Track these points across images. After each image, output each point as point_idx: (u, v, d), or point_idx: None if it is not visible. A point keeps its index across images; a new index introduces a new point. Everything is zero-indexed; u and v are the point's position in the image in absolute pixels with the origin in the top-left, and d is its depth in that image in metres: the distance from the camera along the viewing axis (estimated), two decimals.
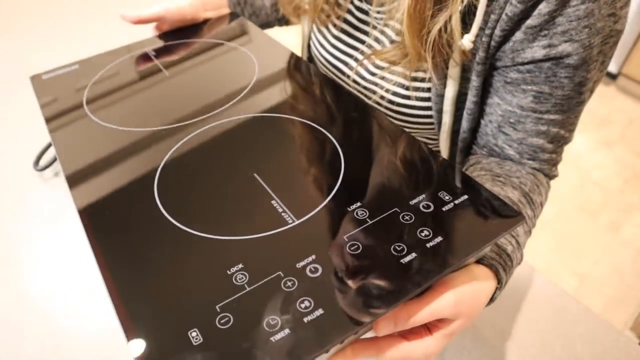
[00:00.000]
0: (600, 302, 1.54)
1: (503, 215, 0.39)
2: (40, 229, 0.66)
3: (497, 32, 0.47)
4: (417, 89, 0.56)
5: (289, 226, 0.39)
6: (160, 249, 0.39)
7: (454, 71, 0.51)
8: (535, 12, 0.44)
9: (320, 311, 0.33)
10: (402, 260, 0.35)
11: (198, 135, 0.50)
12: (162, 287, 0.36)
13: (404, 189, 0.42)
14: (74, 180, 0.46)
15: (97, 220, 0.41)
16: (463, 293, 0.37)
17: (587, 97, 0.50)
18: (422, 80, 0.55)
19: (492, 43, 0.48)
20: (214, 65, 0.63)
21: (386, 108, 0.60)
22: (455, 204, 0.40)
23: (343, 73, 0.63)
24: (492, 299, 0.43)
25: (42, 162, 0.74)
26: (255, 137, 0.49)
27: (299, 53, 0.68)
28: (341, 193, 0.42)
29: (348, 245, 0.37)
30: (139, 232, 0.40)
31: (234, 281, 0.36)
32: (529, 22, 0.45)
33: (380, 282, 0.34)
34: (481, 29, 0.48)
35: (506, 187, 0.50)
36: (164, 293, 0.35)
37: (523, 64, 0.48)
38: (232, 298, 0.34)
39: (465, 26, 0.48)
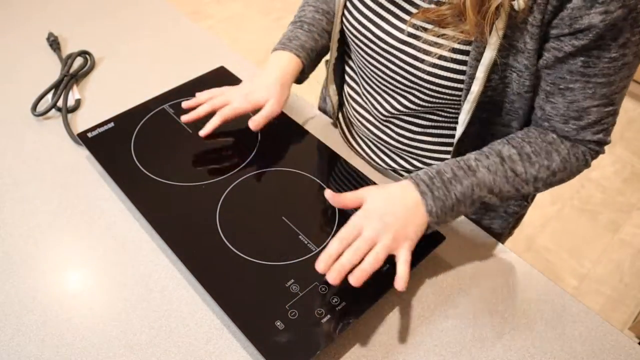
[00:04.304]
0: (600, 302, 1.54)
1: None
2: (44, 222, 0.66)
3: None
4: (456, 51, 0.57)
5: (313, 252, 0.61)
6: (239, 274, 0.59)
7: (495, 36, 0.53)
8: None
9: (344, 303, 0.56)
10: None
11: (233, 189, 0.67)
12: (254, 297, 0.56)
13: None
14: (162, 229, 0.62)
15: (194, 260, 0.59)
16: (369, 188, 0.57)
17: (630, 59, 0.53)
18: (463, 42, 0.56)
19: (549, 7, 0.50)
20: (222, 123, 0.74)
21: (420, 70, 0.60)
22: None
23: (377, 36, 0.63)
24: (432, 222, 0.55)
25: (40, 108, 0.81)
26: (273, 187, 0.68)
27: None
28: (340, 228, 0.58)
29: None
30: (221, 267, 0.59)
31: (291, 290, 0.57)
32: None
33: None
34: None
35: (507, 145, 0.59)
36: (256, 301, 0.56)
37: (580, 30, 0.50)
38: (294, 300, 0.56)
39: None
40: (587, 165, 0.61)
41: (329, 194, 0.57)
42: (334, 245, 0.53)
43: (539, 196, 1.80)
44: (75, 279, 0.61)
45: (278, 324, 0.54)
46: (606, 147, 0.61)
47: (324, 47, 0.77)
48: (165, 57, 0.94)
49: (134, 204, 0.65)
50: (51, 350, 0.55)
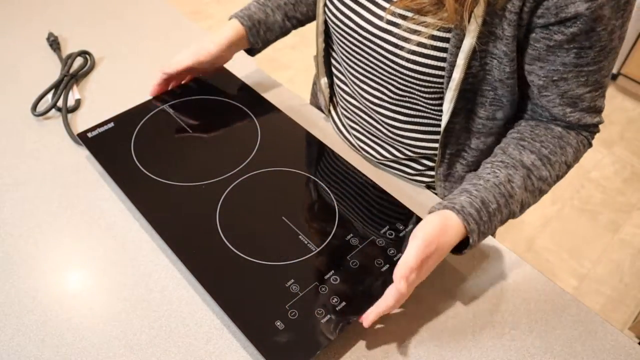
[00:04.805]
0: (600, 302, 1.54)
1: None
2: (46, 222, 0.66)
3: None
4: (435, 38, 0.57)
5: (313, 252, 0.61)
6: (239, 274, 0.59)
7: (474, 23, 0.53)
8: None
9: (343, 303, 0.56)
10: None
11: (233, 189, 0.68)
12: (254, 298, 0.56)
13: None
14: (162, 229, 0.63)
15: (194, 260, 0.60)
16: (429, 234, 0.53)
17: (616, 43, 0.54)
18: (442, 29, 0.56)
19: None
20: (222, 123, 0.77)
21: (400, 57, 0.60)
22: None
23: (358, 25, 0.63)
24: (467, 246, 0.56)
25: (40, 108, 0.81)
26: (273, 187, 0.68)
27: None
28: (339, 228, 0.63)
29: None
30: (221, 268, 0.59)
31: (291, 290, 0.57)
32: None
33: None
34: None
35: (524, 152, 0.60)
36: (256, 301, 0.56)
37: (567, 19, 0.50)
38: (294, 300, 0.56)
39: None
40: (591, 146, 0.65)
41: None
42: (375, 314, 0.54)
43: None
44: (75, 279, 0.61)
45: (278, 324, 0.54)
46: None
47: (276, 22, 0.80)
48: (165, 57, 0.94)
49: (134, 204, 0.65)
50: (51, 350, 0.55)
